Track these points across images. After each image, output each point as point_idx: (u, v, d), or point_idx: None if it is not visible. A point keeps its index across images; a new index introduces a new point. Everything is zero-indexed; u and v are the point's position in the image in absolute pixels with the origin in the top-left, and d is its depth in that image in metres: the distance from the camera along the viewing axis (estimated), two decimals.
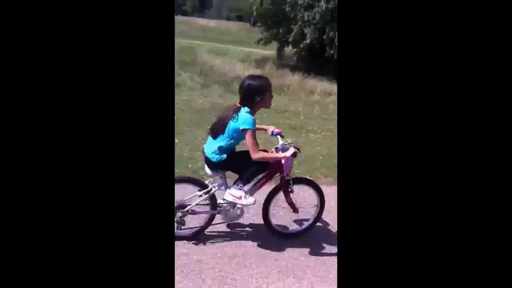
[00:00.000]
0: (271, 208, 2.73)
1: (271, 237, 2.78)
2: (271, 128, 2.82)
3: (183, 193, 2.58)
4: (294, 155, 2.47)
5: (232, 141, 2.41)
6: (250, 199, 2.49)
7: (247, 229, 2.89)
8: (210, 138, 2.50)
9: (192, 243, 2.60)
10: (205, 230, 2.70)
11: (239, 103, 2.41)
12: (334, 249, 2.72)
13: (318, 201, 2.84)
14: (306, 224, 2.93)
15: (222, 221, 2.73)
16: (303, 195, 2.97)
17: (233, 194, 2.48)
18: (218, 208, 2.58)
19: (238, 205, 2.53)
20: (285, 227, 2.97)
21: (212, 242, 2.65)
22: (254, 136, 2.34)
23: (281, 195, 2.70)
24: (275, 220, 2.88)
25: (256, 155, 2.35)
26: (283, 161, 2.58)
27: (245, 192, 2.47)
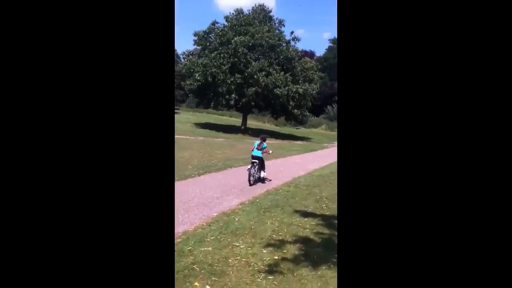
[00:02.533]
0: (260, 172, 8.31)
1: None
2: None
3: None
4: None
5: (260, 151, 7.93)
6: (264, 173, 8.28)
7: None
8: (254, 149, 8.09)
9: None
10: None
11: (261, 140, 8.13)
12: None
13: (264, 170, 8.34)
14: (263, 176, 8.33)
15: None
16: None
17: (263, 172, 8.22)
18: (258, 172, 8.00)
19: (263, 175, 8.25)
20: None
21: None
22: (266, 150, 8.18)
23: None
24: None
25: (268, 152, 8.33)
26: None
27: (264, 172, 8.19)
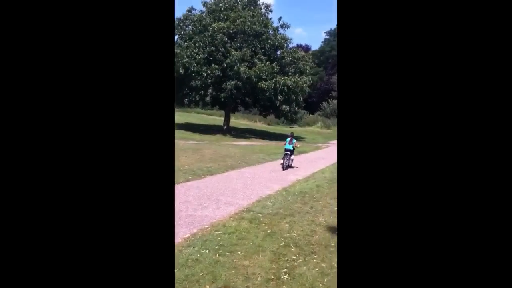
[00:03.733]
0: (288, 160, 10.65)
1: None
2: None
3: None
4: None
5: (291, 145, 10.64)
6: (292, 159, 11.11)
7: None
8: (286, 143, 10.69)
9: None
10: None
11: (291, 136, 10.82)
12: None
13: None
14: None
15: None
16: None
17: (292, 158, 10.97)
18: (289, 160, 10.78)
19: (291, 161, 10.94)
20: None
21: None
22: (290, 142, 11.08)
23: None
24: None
25: (296, 146, 11.19)
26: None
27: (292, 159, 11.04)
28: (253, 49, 18.69)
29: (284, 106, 19.44)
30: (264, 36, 19.08)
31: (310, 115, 36.62)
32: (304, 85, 19.55)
